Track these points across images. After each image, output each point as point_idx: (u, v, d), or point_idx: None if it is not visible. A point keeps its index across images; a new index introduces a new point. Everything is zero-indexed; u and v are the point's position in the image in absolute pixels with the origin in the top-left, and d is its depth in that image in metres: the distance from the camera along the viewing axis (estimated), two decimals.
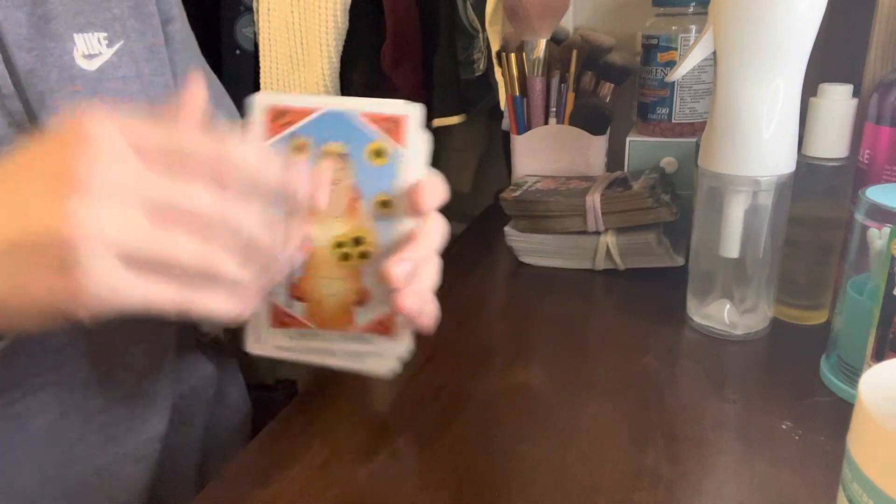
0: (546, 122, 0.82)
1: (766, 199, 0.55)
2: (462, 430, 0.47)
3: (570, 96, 0.80)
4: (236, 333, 0.47)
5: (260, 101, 0.39)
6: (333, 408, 0.51)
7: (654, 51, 0.76)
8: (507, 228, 0.75)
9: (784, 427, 0.46)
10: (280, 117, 0.38)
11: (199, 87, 0.36)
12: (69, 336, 0.46)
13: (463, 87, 0.95)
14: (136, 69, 0.50)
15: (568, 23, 0.92)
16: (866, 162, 0.57)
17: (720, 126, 0.54)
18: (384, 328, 0.42)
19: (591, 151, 0.81)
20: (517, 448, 0.45)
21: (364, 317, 0.42)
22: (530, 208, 0.72)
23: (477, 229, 0.90)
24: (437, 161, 1.12)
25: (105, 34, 0.48)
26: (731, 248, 0.56)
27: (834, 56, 0.68)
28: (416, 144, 0.39)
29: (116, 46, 0.49)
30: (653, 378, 0.53)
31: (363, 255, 0.41)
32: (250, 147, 0.32)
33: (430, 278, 0.41)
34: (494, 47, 0.87)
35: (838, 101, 0.54)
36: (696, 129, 0.76)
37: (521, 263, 0.76)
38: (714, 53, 0.54)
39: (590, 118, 0.80)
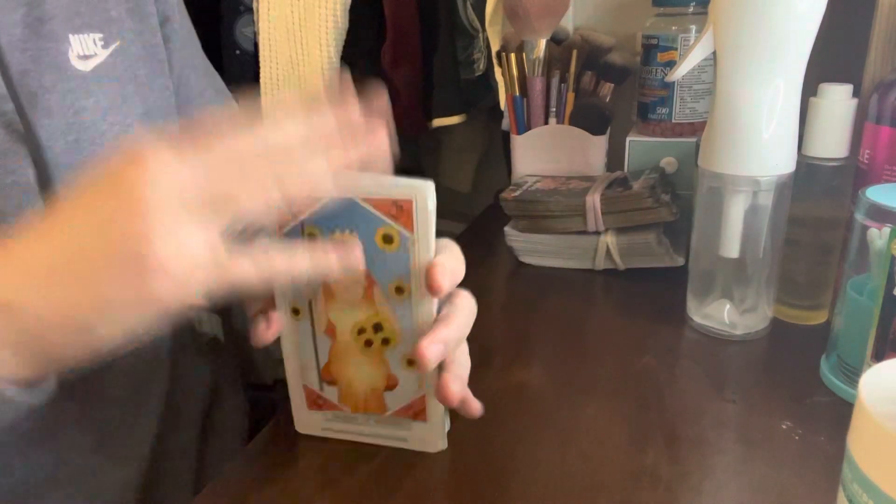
0: (546, 122, 0.82)
1: (766, 199, 0.55)
2: (462, 430, 0.47)
3: (570, 96, 0.80)
4: (235, 334, 0.47)
5: None
6: None
7: (654, 51, 0.76)
8: (507, 228, 0.75)
9: (784, 427, 0.46)
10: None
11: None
12: None
13: (463, 87, 0.95)
14: (132, 70, 0.50)
15: (568, 23, 0.92)
16: (866, 162, 0.57)
17: (720, 126, 0.54)
18: (416, 413, 0.44)
19: (591, 151, 0.81)
20: (517, 448, 0.45)
21: (395, 402, 0.44)
22: (530, 208, 0.72)
23: (477, 229, 0.90)
24: (437, 161, 1.13)
25: (101, 35, 0.48)
26: (731, 248, 0.56)
27: (834, 56, 0.68)
28: (425, 226, 0.38)
29: (112, 48, 0.49)
30: (653, 378, 0.53)
31: (385, 342, 0.42)
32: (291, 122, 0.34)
33: (464, 360, 0.42)
34: (494, 47, 0.87)
35: (838, 101, 0.54)
36: (696, 129, 0.76)
37: (521, 263, 0.76)
38: (714, 53, 0.54)
39: (590, 118, 0.80)
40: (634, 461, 0.43)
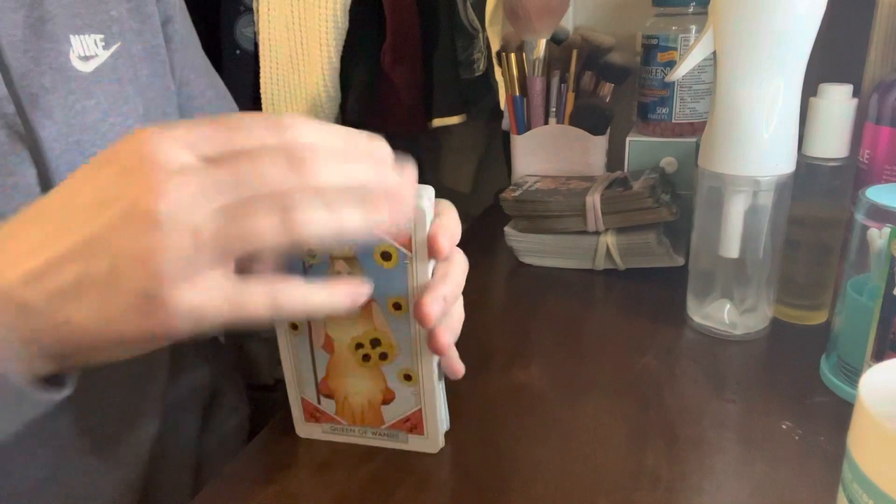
0: (546, 122, 0.82)
1: (766, 199, 0.55)
2: (462, 430, 0.47)
3: (570, 96, 0.80)
4: (235, 334, 0.47)
5: None
6: None
7: (654, 51, 0.76)
8: (507, 228, 0.75)
9: (784, 427, 0.46)
10: None
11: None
12: None
13: (463, 87, 0.95)
14: (133, 71, 0.50)
15: (568, 23, 0.92)
16: (866, 162, 0.57)
17: (720, 126, 0.54)
18: (413, 427, 0.44)
19: (591, 151, 0.81)
20: (517, 448, 0.45)
21: (392, 415, 0.44)
22: (530, 208, 0.72)
23: (477, 229, 0.90)
24: (437, 161, 1.13)
25: (102, 36, 0.48)
26: (731, 248, 0.56)
27: (834, 56, 0.68)
28: (423, 245, 0.38)
29: (113, 48, 0.49)
30: (653, 378, 0.53)
31: (383, 357, 0.42)
32: (305, 121, 0.32)
33: (458, 313, 0.43)
34: (494, 47, 0.87)
35: (838, 101, 0.54)
36: (696, 129, 0.76)
37: (521, 263, 0.76)
38: (714, 53, 0.54)
39: (590, 118, 0.80)
40: (634, 461, 0.43)
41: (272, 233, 0.29)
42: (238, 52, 0.93)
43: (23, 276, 0.30)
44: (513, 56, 0.80)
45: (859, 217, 0.49)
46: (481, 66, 0.94)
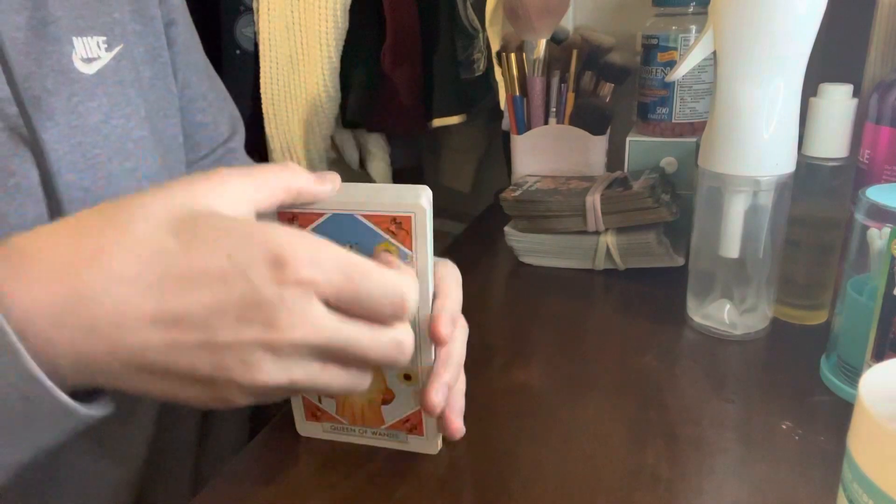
0: (546, 122, 0.82)
1: (766, 199, 0.55)
2: None
3: (570, 96, 0.80)
4: None
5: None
6: None
7: (654, 51, 0.76)
8: (507, 228, 0.75)
9: (784, 427, 0.46)
10: (289, 223, 0.39)
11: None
12: None
13: (463, 87, 0.95)
14: (136, 73, 0.50)
15: (568, 23, 0.92)
16: (866, 162, 0.57)
17: (720, 126, 0.54)
18: (412, 427, 0.44)
19: (591, 151, 0.81)
20: (517, 448, 0.45)
21: (392, 415, 0.44)
22: (530, 208, 0.72)
23: (477, 229, 0.90)
24: (437, 161, 1.13)
25: (104, 38, 0.48)
26: (731, 248, 0.56)
27: (834, 56, 0.68)
28: (423, 242, 0.38)
29: (116, 50, 0.49)
30: (653, 378, 0.53)
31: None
32: (417, 287, 0.35)
33: (461, 389, 0.45)
34: (494, 47, 0.87)
35: (838, 101, 0.54)
36: (696, 129, 0.76)
37: (521, 263, 0.76)
38: (714, 53, 0.54)
39: (590, 118, 0.80)
40: (634, 461, 0.43)
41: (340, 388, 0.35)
42: (238, 52, 0.93)
43: (151, 315, 0.30)
44: (513, 56, 0.80)
45: (859, 217, 0.49)
46: (481, 66, 0.94)
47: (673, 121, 0.77)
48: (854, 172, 0.57)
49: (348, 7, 0.87)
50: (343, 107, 0.93)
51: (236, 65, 0.93)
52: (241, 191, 0.34)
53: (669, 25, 0.75)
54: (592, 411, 0.49)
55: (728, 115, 0.53)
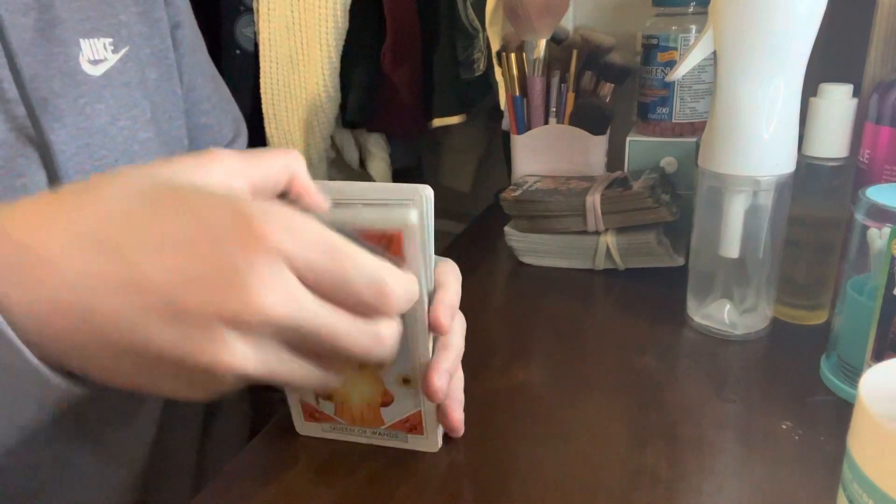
0: (546, 122, 0.82)
1: (766, 199, 0.55)
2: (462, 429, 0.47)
3: (570, 96, 0.80)
4: None
5: None
6: None
7: (654, 51, 0.76)
8: (507, 228, 0.75)
9: (784, 427, 0.46)
10: None
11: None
12: None
13: (463, 87, 0.95)
14: (142, 75, 0.50)
15: (568, 23, 0.92)
16: (866, 162, 0.57)
17: (720, 126, 0.54)
18: (412, 427, 0.44)
19: (591, 151, 0.81)
20: (517, 448, 0.45)
21: (391, 416, 0.44)
22: (530, 208, 0.72)
23: (477, 229, 0.90)
24: (437, 161, 1.13)
25: (111, 40, 0.48)
26: (731, 248, 0.56)
27: (834, 56, 0.68)
28: (415, 254, 0.37)
29: (122, 52, 0.49)
30: (653, 378, 0.53)
31: (379, 365, 0.42)
32: (405, 281, 0.33)
33: (460, 379, 0.45)
34: (494, 47, 0.87)
35: (838, 101, 0.54)
36: (696, 129, 0.76)
37: (521, 263, 0.76)
38: (714, 53, 0.54)
39: (590, 118, 0.80)
40: (634, 461, 0.43)
41: (306, 378, 0.33)
42: (238, 52, 0.93)
43: (116, 280, 0.28)
44: (513, 56, 0.80)
45: (859, 217, 0.49)
46: (481, 66, 0.94)
47: (673, 121, 0.77)
48: (854, 172, 0.57)
49: (348, 7, 0.87)
50: (343, 107, 0.93)
51: (236, 65, 0.93)
52: (233, 166, 0.32)
53: (669, 25, 0.75)
54: (592, 411, 0.49)
55: (728, 115, 0.53)
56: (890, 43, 0.60)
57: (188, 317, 0.28)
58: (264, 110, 0.94)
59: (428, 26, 0.92)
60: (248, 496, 0.42)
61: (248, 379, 0.31)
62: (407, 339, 0.40)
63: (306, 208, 0.35)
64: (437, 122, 0.96)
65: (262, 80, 0.92)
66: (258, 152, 0.34)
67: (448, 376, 0.40)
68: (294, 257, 0.29)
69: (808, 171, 0.56)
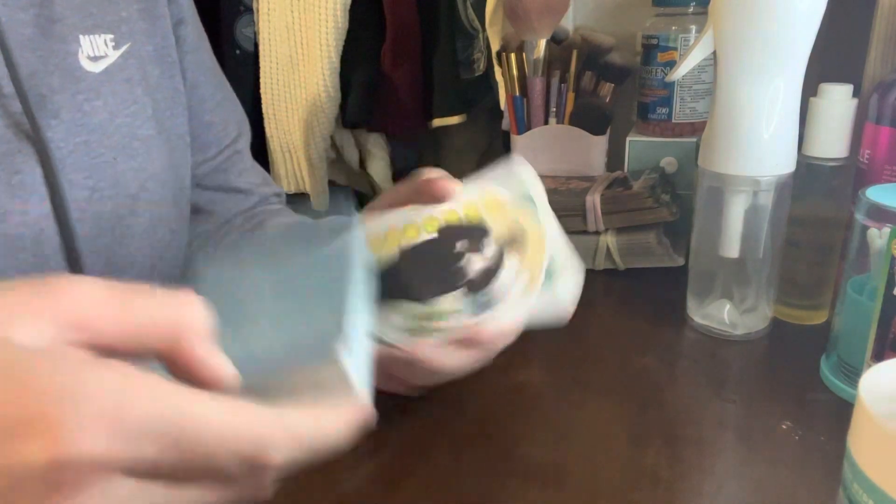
0: (546, 122, 0.82)
1: (766, 199, 0.55)
2: (462, 430, 0.47)
3: (570, 96, 0.80)
4: None
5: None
6: None
7: (654, 51, 0.76)
8: None
9: (784, 427, 0.46)
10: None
11: None
12: None
13: (463, 86, 0.95)
14: (143, 72, 0.50)
15: (568, 23, 0.92)
16: (866, 162, 0.57)
17: (720, 126, 0.54)
18: None
19: (591, 151, 0.81)
20: (517, 448, 0.45)
21: None
22: None
23: None
24: (438, 161, 1.13)
25: (112, 36, 0.48)
26: (731, 248, 0.56)
27: (834, 56, 0.68)
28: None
29: (123, 49, 0.49)
30: (653, 378, 0.53)
31: None
32: (291, 429, 0.25)
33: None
34: (494, 47, 0.87)
35: (838, 101, 0.54)
36: (696, 129, 0.76)
37: None
38: (714, 53, 0.54)
39: (590, 118, 0.80)
40: (634, 461, 0.43)
41: None
42: (238, 52, 0.93)
43: None
44: (513, 56, 0.80)
45: (859, 217, 0.49)
46: (481, 66, 0.94)
47: (673, 121, 0.77)
48: (854, 172, 0.57)
49: (348, 7, 0.87)
50: (343, 107, 0.93)
51: (236, 65, 0.93)
52: (70, 310, 0.22)
53: (669, 25, 0.75)
54: (592, 411, 0.49)
55: (728, 115, 0.53)
56: (890, 43, 0.60)
57: None
58: (264, 110, 0.94)
59: (428, 26, 0.92)
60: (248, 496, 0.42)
61: None
62: None
63: (204, 380, 0.24)
64: (437, 122, 0.95)
65: (262, 80, 0.92)
66: (139, 292, 0.23)
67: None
68: (113, 459, 0.20)
69: (808, 171, 0.56)
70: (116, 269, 0.48)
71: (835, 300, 0.55)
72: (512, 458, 0.44)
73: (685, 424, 0.47)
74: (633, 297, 0.67)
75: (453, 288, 0.41)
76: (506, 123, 0.89)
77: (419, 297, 0.41)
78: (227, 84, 0.63)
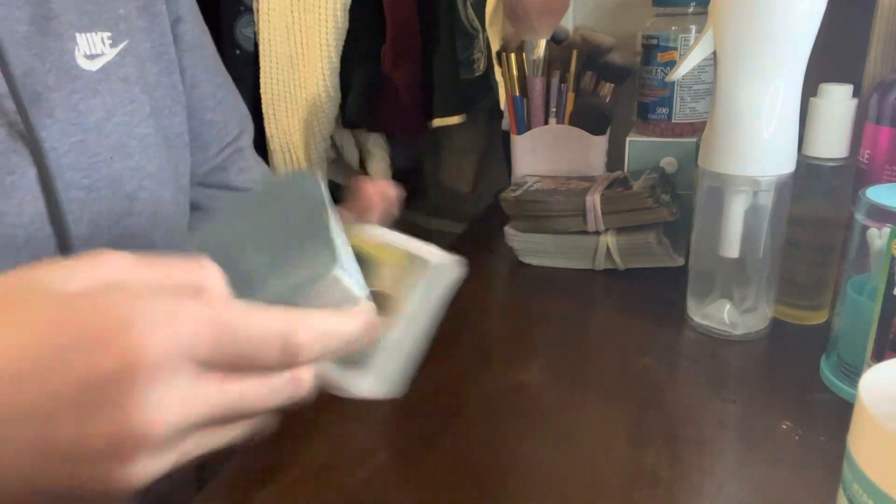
0: (546, 122, 0.81)
1: (766, 199, 0.55)
2: (462, 429, 0.47)
3: (570, 96, 0.80)
4: None
5: None
6: (334, 408, 0.51)
7: (654, 51, 0.76)
8: (507, 228, 0.75)
9: (784, 427, 0.46)
10: None
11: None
12: None
13: (463, 87, 0.95)
14: (141, 70, 0.50)
15: (568, 23, 0.92)
16: (866, 162, 0.57)
17: (720, 126, 0.54)
18: None
19: (591, 151, 0.81)
20: (517, 448, 0.45)
21: None
22: (530, 208, 0.72)
23: (477, 229, 0.90)
24: (437, 161, 1.13)
25: (109, 34, 0.48)
26: (731, 248, 0.56)
27: (834, 56, 0.68)
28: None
29: (120, 46, 0.48)
30: (653, 378, 0.53)
31: None
32: (317, 324, 0.28)
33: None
34: (494, 47, 0.87)
35: (838, 101, 0.54)
36: (696, 129, 0.76)
37: (521, 263, 0.76)
38: (714, 53, 0.54)
39: (590, 118, 0.80)
40: (634, 461, 0.43)
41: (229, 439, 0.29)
42: (238, 52, 0.93)
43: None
44: (513, 56, 0.80)
45: (859, 217, 0.49)
46: (481, 66, 0.94)
47: (673, 121, 0.77)
48: (854, 172, 0.57)
49: (348, 7, 0.87)
50: (343, 107, 0.93)
51: (236, 65, 0.93)
52: (121, 265, 0.27)
53: (669, 25, 0.75)
54: (592, 411, 0.49)
55: (728, 115, 0.53)
56: (890, 43, 0.60)
57: (66, 454, 0.24)
58: (264, 110, 0.94)
59: (428, 26, 0.92)
60: (248, 496, 0.42)
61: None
62: None
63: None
64: (437, 122, 0.96)
65: (262, 80, 0.92)
66: (162, 259, 0.28)
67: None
68: (181, 353, 0.24)
69: (808, 171, 0.56)
70: None
71: (835, 300, 0.55)
72: (512, 458, 0.44)
73: (685, 424, 0.47)
74: (633, 297, 0.67)
75: None
76: (506, 123, 0.89)
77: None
78: (230, 82, 0.63)
